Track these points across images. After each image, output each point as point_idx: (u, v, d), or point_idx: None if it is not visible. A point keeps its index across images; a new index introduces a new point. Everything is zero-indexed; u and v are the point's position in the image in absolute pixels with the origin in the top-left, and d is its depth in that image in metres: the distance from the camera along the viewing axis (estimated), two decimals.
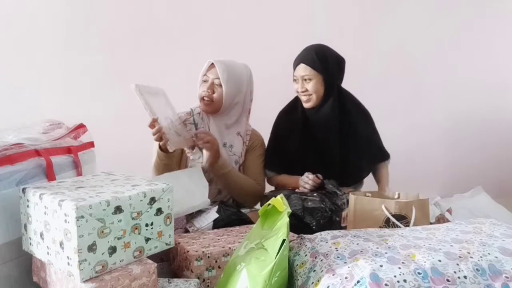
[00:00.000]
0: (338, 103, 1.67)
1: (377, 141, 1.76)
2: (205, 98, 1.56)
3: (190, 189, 1.41)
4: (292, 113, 1.75)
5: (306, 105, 1.68)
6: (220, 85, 1.55)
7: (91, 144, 1.45)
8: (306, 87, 1.63)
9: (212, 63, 1.55)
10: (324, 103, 1.66)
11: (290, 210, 1.00)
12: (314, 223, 1.40)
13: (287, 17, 2.13)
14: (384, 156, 1.77)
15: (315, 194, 1.48)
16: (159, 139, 1.35)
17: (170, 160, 1.49)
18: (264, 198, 1.65)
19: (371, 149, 1.72)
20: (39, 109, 1.88)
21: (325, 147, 1.68)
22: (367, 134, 1.72)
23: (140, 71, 2.01)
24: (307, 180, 1.56)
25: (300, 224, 1.38)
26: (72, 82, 1.97)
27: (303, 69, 1.63)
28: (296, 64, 1.67)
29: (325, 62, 1.62)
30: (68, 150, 1.30)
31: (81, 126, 1.45)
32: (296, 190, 1.58)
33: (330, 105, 1.66)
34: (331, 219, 1.42)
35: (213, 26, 2.07)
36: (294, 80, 1.68)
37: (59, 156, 1.25)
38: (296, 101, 1.75)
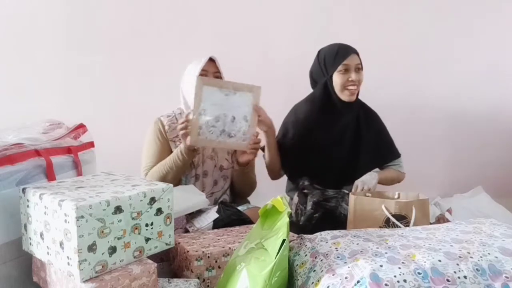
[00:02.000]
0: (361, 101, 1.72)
1: (388, 142, 1.76)
2: None
3: (187, 194, 1.44)
4: (311, 109, 1.71)
5: (350, 98, 1.63)
6: (219, 79, 1.61)
7: (91, 144, 1.45)
8: (359, 78, 1.62)
9: (209, 59, 1.60)
10: (358, 98, 1.70)
11: (290, 210, 0.99)
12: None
13: (287, 17, 2.13)
14: (392, 156, 1.76)
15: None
16: (183, 129, 1.43)
17: (185, 164, 1.51)
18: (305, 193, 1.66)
19: (380, 150, 1.73)
20: (39, 109, 1.88)
21: (334, 146, 1.68)
22: (379, 135, 1.73)
23: (140, 71, 2.01)
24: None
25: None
26: (72, 82, 1.97)
27: (357, 59, 1.63)
28: (346, 54, 1.61)
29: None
30: (68, 150, 1.30)
31: (81, 126, 1.46)
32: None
33: (360, 102, 1.72)
34: None
35: (213, 26, 2.07)
36: (344, 70, 1.60)
37: (59, 156, 1.25)
38: (324, 95, 1.68)
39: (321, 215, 1.50)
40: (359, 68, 1.62)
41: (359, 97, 1.74)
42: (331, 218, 1.49)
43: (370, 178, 1.59)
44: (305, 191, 1.61)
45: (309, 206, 1.53)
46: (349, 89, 1.62)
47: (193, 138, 1.42)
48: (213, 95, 1.44)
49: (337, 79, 1.62)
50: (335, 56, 1.63)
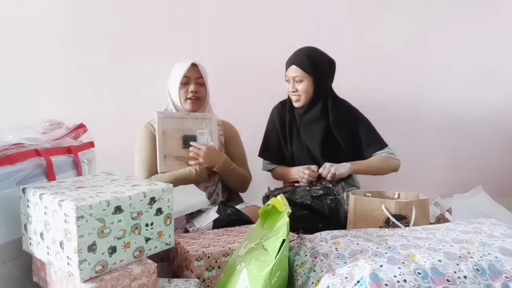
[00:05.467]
0: (326, 104, 1.73)
1: (370, 141, 1.76)
2: (193, 97, 1.65)
3: (187, 194, 1.45)
4: (282, 110, 1.83)
5: (295, 104, 1.75)
6: (202, 84, 1.68)
7: (91, 144, 1.45)
8: (297, 88, 1.71)
9: (192, 64, 1.65)
10: (312, 103, 1.73)
11: (290, 210, 0.99)
12: (325, 207, 1.46)
13: (287, 17, 2.13)
14: (372, 149, 1.75)
15: (317, 185, 1.57)
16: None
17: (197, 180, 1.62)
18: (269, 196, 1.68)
19: (358, 149, 1.75)
20: (39, 109, 1.88)
21: (309, 146, 1.75)
22: (356, 136, 1.75)
23: (140, 71, 2.01)
24: (302, 175, 1.64)
25: (313, 214, 1.45)
26: (72, 82, 1.97)
27: (295, 71, 1.70)
28: (288, 65, 1.74)
29: (315, 64, 1.69)
30: (68, 150, 1.30)
31: (81, 126, 1.45)
32: (296, 184, 1.67)
33: (318, 106, 1.73)
34: (340, 202, 1.50)
35: (213, 27, 2.07)
36: (286, 80, 1.75)
37: (59, 156, 1.24)
38: (286, 101, 1.82)
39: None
40: (297, 80, 1.70)
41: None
42: (300, 210, 1.51)
43: (341, 165, 1.66)
44: (271, 196, 1.65)
45: None
46: (292, 97, 1.75)
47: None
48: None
49: (286, 85, 1.77)
50: (285, 65, 1.77)
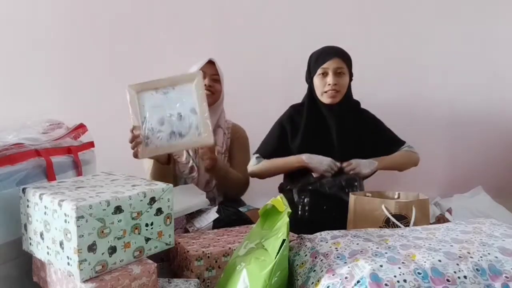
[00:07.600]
0: (351, 107, 1.70)
1: (387, 138, 1.76)
2: (207, 90, 1.59)
3: (188, 194, 1.44)
4: (297, 115, 1.74)
5: (330, 101, 1.63)
6: (217, 81, 1.66)
7: (91, 144, 1.45)
8: (338, 81, 1.61)
9: (208, 61, 1.65)
10: (344, 101, 1.66)
11: (290, 210, 0.99)
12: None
13: (287, 17, 2.13)
14: (395, 148, 1.76)
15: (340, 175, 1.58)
16: (133, 147, 1.32)
17: (164, 169, 1.50)
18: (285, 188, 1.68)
19: (379, 148, 1.72)
20: (39, 109, 1.88)
21: (335, 145, 1.67)
22: (374, 141, 1.72)
23: (141, 71, 2.00)
24: (333, 167, 1.59)
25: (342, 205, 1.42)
26: (72, 82, 1.97)
27: (339, 62, 1.61)
28: (328, 57, 1.61)
29: (351, 61, 1.66)
30: (68, 150, 1.30)
31: (81, 126, 1.45)
32: (315, 175, 1.62)
33: (349, 104, 1.69)
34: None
35: (213, 27, 2.07)
36: (322, 73, 1.62)
37: (59, 156, 1.24)
38: (300, 105, 1.74)
39: (324, 206, 1.51)
40: (339, 72, 1.61)
41: (358, 98, 1.75)
42: (332, 206, 1.50)
43: (367, 164, 1.61)
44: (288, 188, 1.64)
45: (307, 197, 1.54)
46: (327, 92, 1.62)
47: (142, 151, 1.31)
48: (150, 99, 1.31)
49: (317, 82, 1.65)
50: (316, 59, 1.66)
